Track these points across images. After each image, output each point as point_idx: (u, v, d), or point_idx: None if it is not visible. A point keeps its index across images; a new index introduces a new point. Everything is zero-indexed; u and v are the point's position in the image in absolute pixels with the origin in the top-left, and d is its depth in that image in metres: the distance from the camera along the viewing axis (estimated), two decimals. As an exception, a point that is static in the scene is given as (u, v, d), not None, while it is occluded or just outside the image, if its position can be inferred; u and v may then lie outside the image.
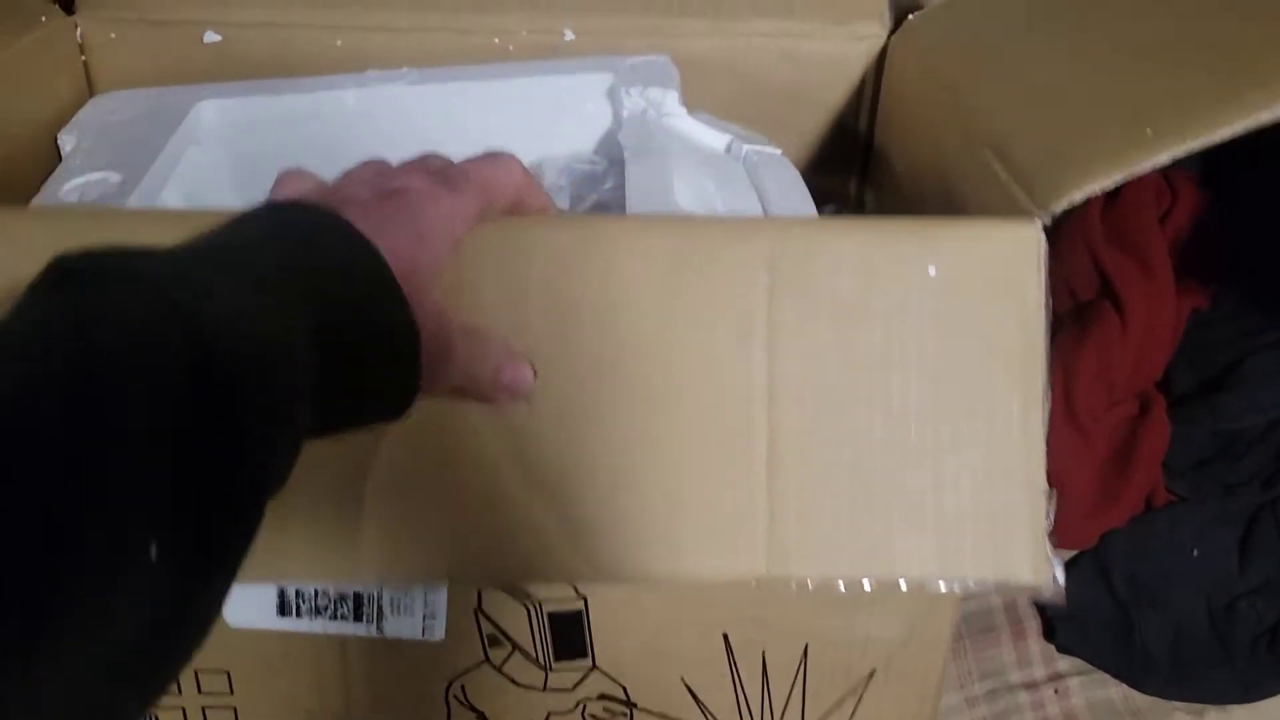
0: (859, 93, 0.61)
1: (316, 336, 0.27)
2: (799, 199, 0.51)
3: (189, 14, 0.58)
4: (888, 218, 0.39)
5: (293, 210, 0.31)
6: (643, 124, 0.54)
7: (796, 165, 0.63)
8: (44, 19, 0.57)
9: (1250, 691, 0.66)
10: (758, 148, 0.54)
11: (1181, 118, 0.38)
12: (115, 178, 0.50)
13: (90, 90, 0.60)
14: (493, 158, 0.38)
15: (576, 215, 0.51)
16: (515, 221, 0.38)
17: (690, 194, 0.49)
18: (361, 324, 0.29)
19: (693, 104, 0.57)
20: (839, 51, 0.60)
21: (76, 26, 0.58)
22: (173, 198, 0.54)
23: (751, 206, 0.50)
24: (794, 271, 0.37)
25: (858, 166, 0.64)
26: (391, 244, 0.31)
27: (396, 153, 0.57)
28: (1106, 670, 0.67)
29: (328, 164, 0.56)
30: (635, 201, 0.47)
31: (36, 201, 0.48)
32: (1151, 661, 0.68)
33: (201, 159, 0.57)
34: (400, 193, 0.34)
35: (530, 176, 0.39)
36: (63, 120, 0.56)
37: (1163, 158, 0.38)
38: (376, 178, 0.35)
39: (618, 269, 0.37)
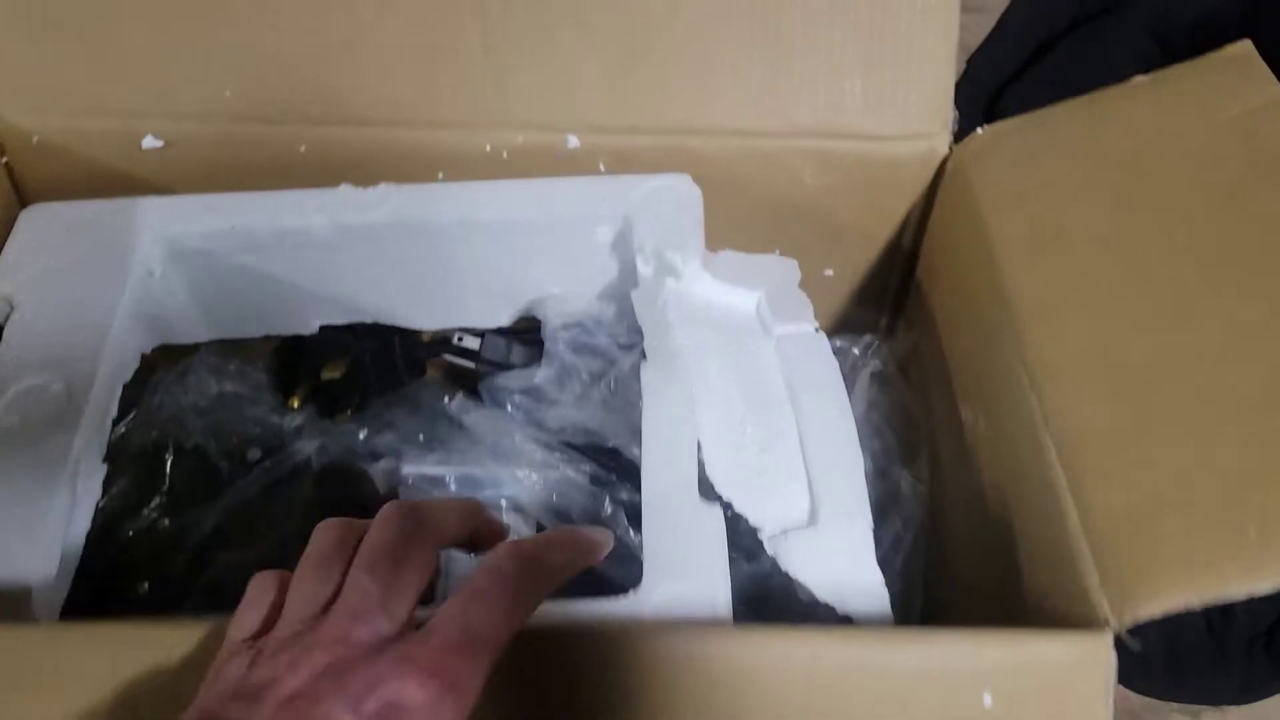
0: (906, 213, 0.53)
1: None
2: (834, 403, 0.45)
3: (124, 114, 0.49)
4: (932, 631, 0.34)
5: None
6: (659, 301, 0.47)
7: (826, 290, 0.57)
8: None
9: (1247, 693, 0.67)
10: (791, 328, 0.47)
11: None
12: (57, 385, 0.44)
13: (18, 195, 0.51)
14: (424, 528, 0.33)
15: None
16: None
17: (715, 423, 0.44)
18: None
19: (714, 219, 0.50)
20: (889, 161, 0.51)
21: (-9, 128, 0.49)
22: (135, 338, 0.48)
23: (785, 429, 0.44)
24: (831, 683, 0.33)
25: (892, 296, 0.57)
26: None
27: (372, 293, 0.51)
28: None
29: (296, 301, 0.50)
30: (652, 446, 0.42)
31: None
32: (1147, 663, 0.68)
33: (159, 292, 0.50)
34: None
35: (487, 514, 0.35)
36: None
37: (1263, 586, 0.33)
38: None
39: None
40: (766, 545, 0.42)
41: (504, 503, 0.52)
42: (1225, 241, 0.41)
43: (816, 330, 0.47)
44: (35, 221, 0.49)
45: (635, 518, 0.48)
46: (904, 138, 0.50)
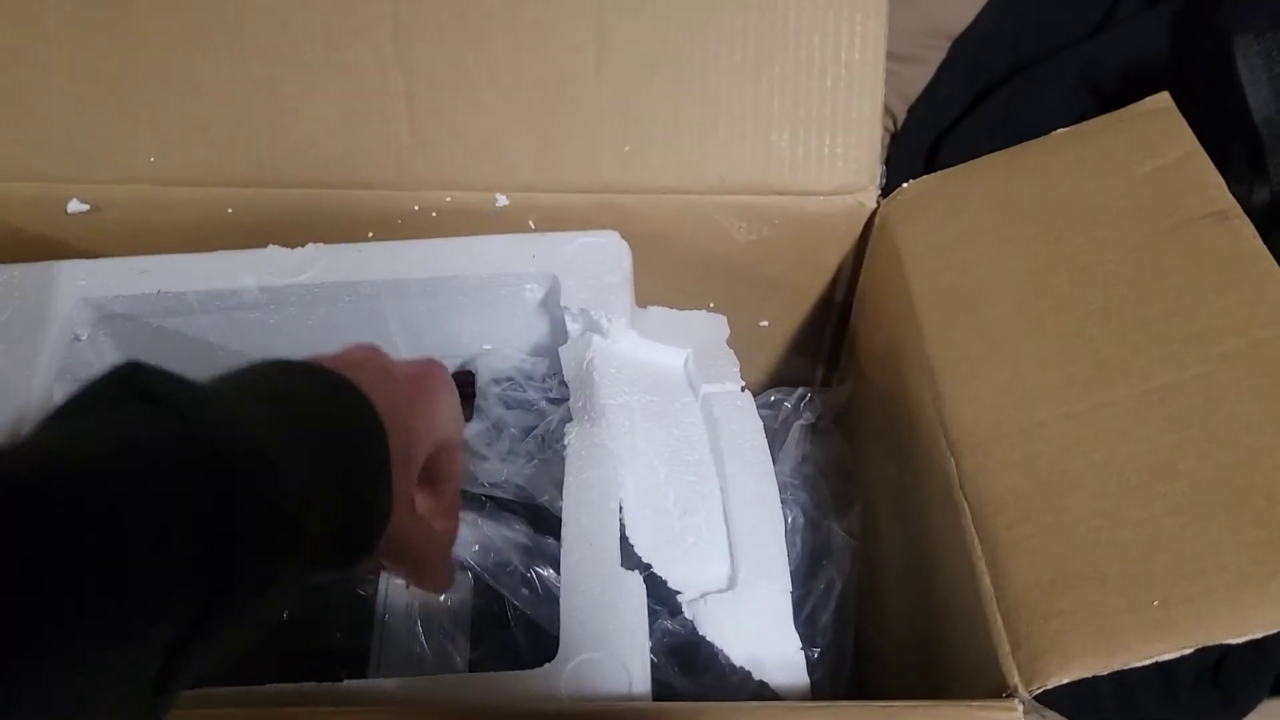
0: (837, 267, 0.53)
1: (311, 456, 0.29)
2: (757, 465, 0.45)
3: (48, 180, 0.49)
4: (845, 705, 0.34)
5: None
6: (586, 359, 0.47)
7: (762, 341, 0.57)
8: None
9: (1198, 727, 0.68)
10: (717, 387, 0.47)
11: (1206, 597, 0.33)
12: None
13: (-58, 259, 0.51)
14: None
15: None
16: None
17: (638, 485, 0.44)
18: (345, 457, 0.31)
19: (645, 273, 0.50)
20: (818, 216, 0.51)
21: (-86, 192, 0.49)
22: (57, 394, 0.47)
23: (708, 492, 0.44)
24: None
25: (826, 347, 0.57)
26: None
27: (303, 351, 0.51)
28: (1057, 710, 0.68)
29: (227, 360, 0.50)
30: (573, 512, 0.42)
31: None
32: (1097, 697, 0.69)
33: (87, 355, 0.50)
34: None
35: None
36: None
37: (1169, 653, 0.33)
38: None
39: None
40: (685, 609, 0.42)
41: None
42: (1138, 304, 0.41)
43: (742, 389, 0.48)
44: (-41, 287, 0.49)
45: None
46: (832, 193, 0.51)
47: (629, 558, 0.42)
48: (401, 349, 0.52)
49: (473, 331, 0.52)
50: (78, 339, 0.49)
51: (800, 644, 0.42)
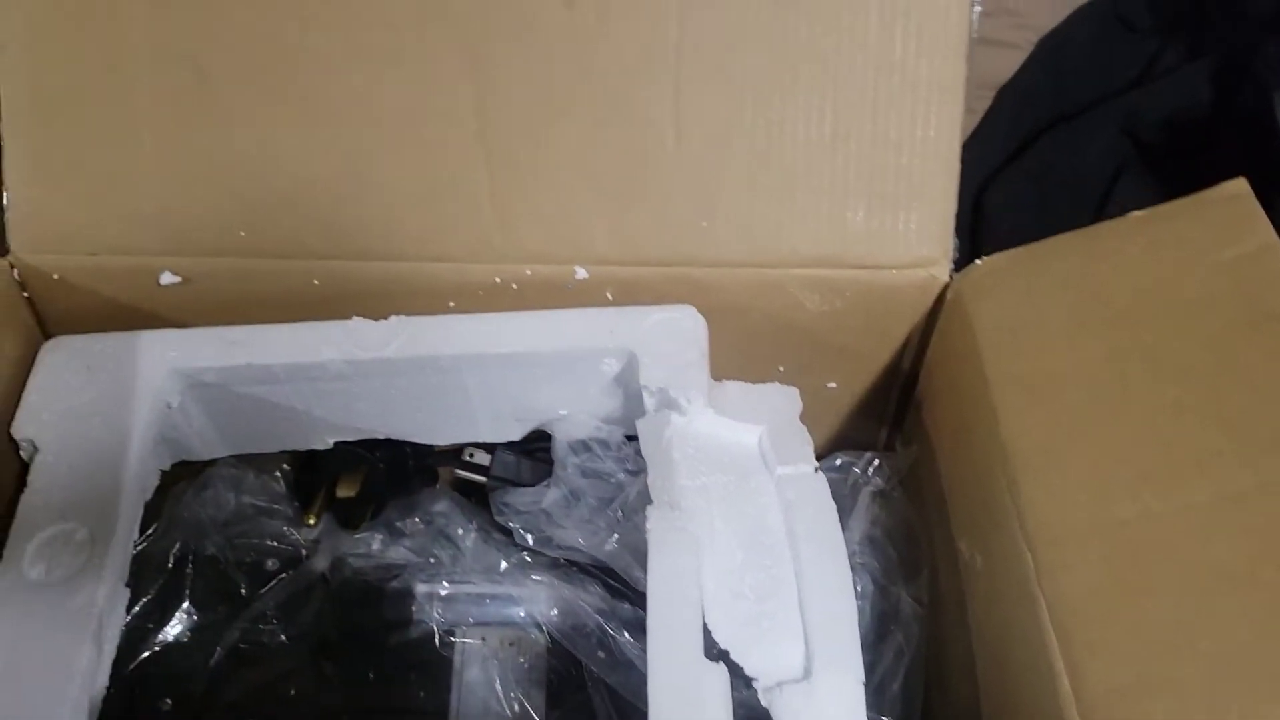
0: (906, 336, 0.54)
1: None
2: (831, 551, 0.46)
3: (142, 253, 0.50)
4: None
5: None
6: (664, 438, 0.48)
7: (829, 402, 0.58)
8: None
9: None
10: (791, 469, 0.48)
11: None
12: (81, 533, 0.45)
13: (40, 327, 0.53)
14: None
15: None
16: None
17: (716, 570, 0.45)
18: None
19: (718, 341, 0.51)
20: (890, 288, 0.52)
21: (13, 268, 0.50)
22: (153, 462, 0.49)
23: (783, 577, 0.46)
24: None
25: (892, 411, 0.58)
26: None
27: (385, 417, 0.52)
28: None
29: (311, 424, 0.51)
30: (658, 603, 0.43)
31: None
32: None
33: (177, 419, 0.51)
34: None
35: None
36: (16, 369, 0.50)
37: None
38: None
39: None
40: (761, 696, 0.43)
41: (520, 616, 0.53)
42: (1216, 402, 0.42)
43: (815, 470, 0.48)
44: (55, 357, 0.50)
45: (639, 635, 0.50)
46: (905, 266, 0.51)
47: (708, 644, 0.43)
48: (481, 413, 0.53)
49: (550, 399, 0.53)
50: (169, 406, 0.51)
51: (875, 724, 0.43)
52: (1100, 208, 0.68)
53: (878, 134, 0.50)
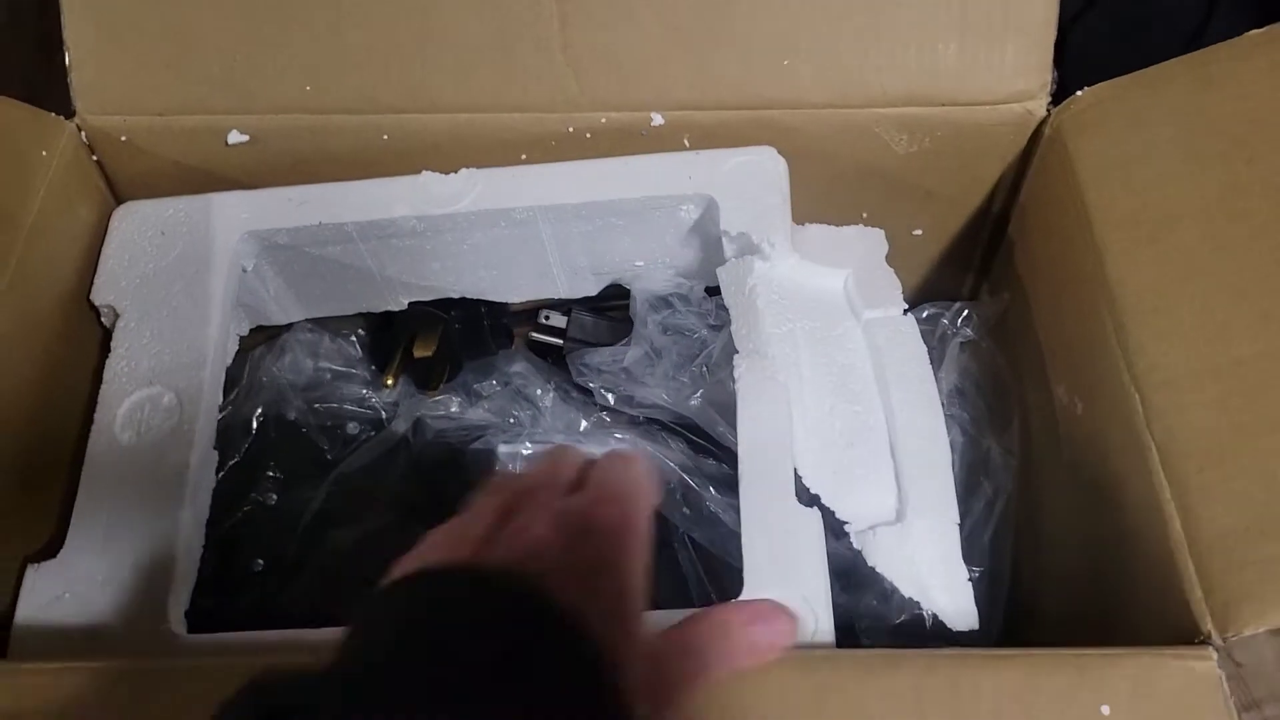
0: (998, 178, 0.51)
1: None
2: (922, 395, 0.45)
3: (208, 112, 0.49)
4: (1038, 652, 0.35)
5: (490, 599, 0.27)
6: (747, 285, 0.46)
7: (914, 249, 0.56)
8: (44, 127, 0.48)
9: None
10: (879, 312, 0.47)
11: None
12: (168, 397, 0.45)
13: (111, 190, 0.52)
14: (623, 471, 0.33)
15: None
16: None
17: (805, 416, 0.44)
18: None
19: (799, 187, 0.49)
20: (983, 126, 0.49)
21: (80, 130, 0.49)
22: (232, 328, 0.49)
23: (874, 423, 0.44)
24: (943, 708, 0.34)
25: (979, 257, 0.55)
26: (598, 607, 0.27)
27: (459, 274, 0.51)
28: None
29: (385, 284, 0.49)
30: (749, 451, 0.42)
31: (91, 450, 0.44)
32: None
33: (252, 284, 0.51)
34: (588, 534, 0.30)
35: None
36: (91, 235, 0.50)
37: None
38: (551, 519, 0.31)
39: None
40: (854, 540, 0.42)
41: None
42: (1345, 233, 0.39)
43: (905, 313, 0.47)
44: (128, 223, 0.50)
45: (723, 489, 0.49)
46: (1000, 102, 0.48)
47: (799, 490, 0.42)
48: (556, 267, 0.52)
49: (627, 251, 0.51)
50: (244, 270, 0.50)
51: (968, 575, 0.42)
52: (1194, 39, 0.64)
53: (971, -41, 0.47)
